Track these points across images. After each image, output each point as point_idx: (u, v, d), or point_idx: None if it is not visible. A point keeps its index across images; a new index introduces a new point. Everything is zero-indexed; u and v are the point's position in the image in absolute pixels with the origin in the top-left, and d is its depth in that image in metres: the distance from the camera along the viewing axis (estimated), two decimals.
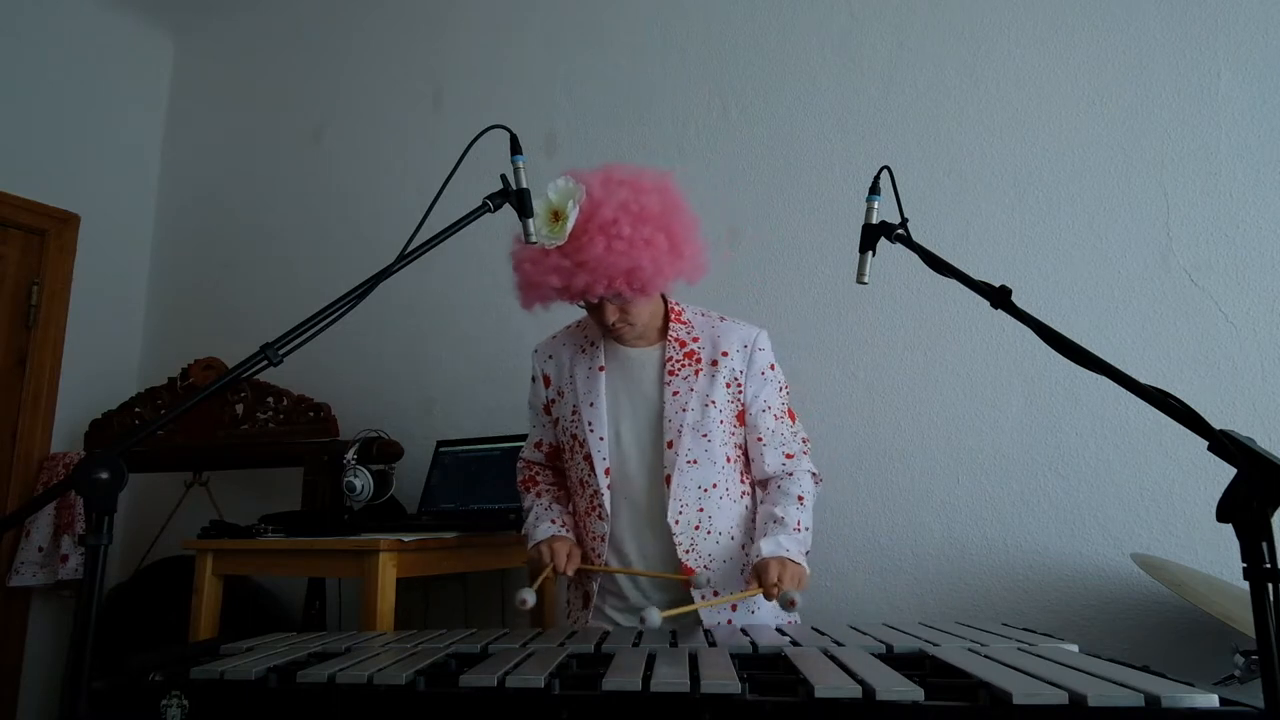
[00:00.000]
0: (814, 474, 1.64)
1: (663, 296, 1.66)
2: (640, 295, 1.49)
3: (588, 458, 1.60)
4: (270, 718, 1.07)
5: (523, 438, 2.33)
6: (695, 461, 1.57)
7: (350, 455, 2.42)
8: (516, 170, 1.30)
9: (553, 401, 1.70)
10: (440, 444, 2.60)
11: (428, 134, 3.06)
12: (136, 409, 3.11)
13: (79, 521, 3.02)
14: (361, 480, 2.38)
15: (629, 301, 1.51)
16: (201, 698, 1.07)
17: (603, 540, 1.59)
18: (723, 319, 1.67)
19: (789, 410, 1.67)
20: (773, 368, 1.64)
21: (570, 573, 1.57)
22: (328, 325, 1.11)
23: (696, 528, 1.57)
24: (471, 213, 1.26)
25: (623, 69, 2.71)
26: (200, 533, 2.32)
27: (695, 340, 1.63)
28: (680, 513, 1.56)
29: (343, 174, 3.26)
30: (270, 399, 2.83)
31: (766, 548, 1.48)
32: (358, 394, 2.94)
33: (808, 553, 1.52)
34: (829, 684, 0.91)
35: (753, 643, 1.22)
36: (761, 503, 1.64)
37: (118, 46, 3.61)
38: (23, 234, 3.27)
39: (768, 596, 1.38)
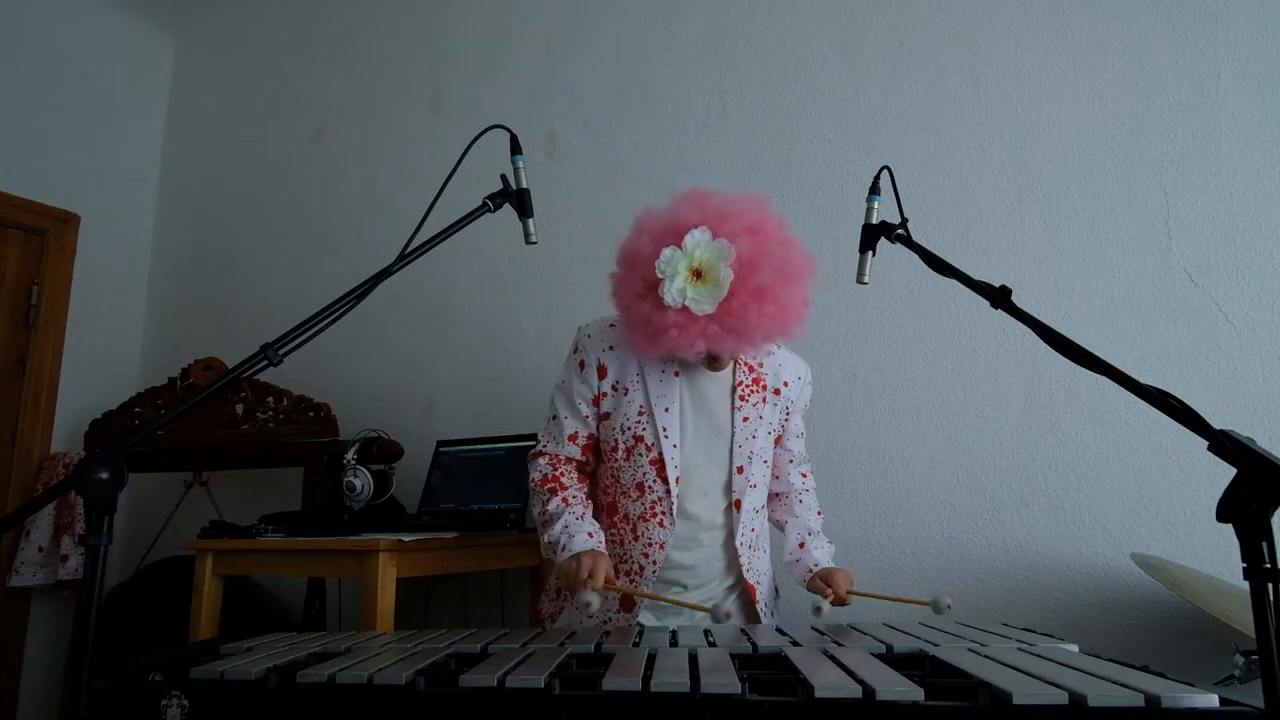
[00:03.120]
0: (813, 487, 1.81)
1: None
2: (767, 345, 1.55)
3: (656, 463, 1.56)
4: (270, 718, 1.07)
5: (524, 437, 2.36)
6: (755, 485, 1.63)
7: (350, 455, 2.42)
8: (516, 170, 1.30)
9: (605, 394, 1.60)
10: (440, 444, 2.60)
11: (428, 134, 3.06)
12: (136, 409, 3.11)
13: (79, 521, 3.02)
14: (361, 480, 2.38)
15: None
16: (201, 698, 1.07)
17: (660, 547, 1.56)
18: (777, 347, 1.68)
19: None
20: (811, 400, 1.76)
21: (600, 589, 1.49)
22: (328, 325, 1.11)
23: (751, 547, 1.64)
24: (471, 213, 1.26)
25: (623, 69, 2.71)
26: (200, 533, 2.32)
27: (760, 366, 1.65)
28: (744, 535, 1.61)
29: (343, 174, 3.26)
30: (270, 399, 2.83)
31: (823, 559, 1.64)
32: (358, 394, 2.94)
33: None
34: (829, 684, 0.91)
35: (753, 643, 1.22)
36: (783, 513, 1.76)
37: (118, 46, 3.61)
38: (23, 234, 3.27)
39: (842, 602, 1.54)
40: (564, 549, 1.48)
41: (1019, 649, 1.15)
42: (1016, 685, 0.89)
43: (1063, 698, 0.86)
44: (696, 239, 1.39)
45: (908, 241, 1.29)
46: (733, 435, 1.59)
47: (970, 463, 2.07)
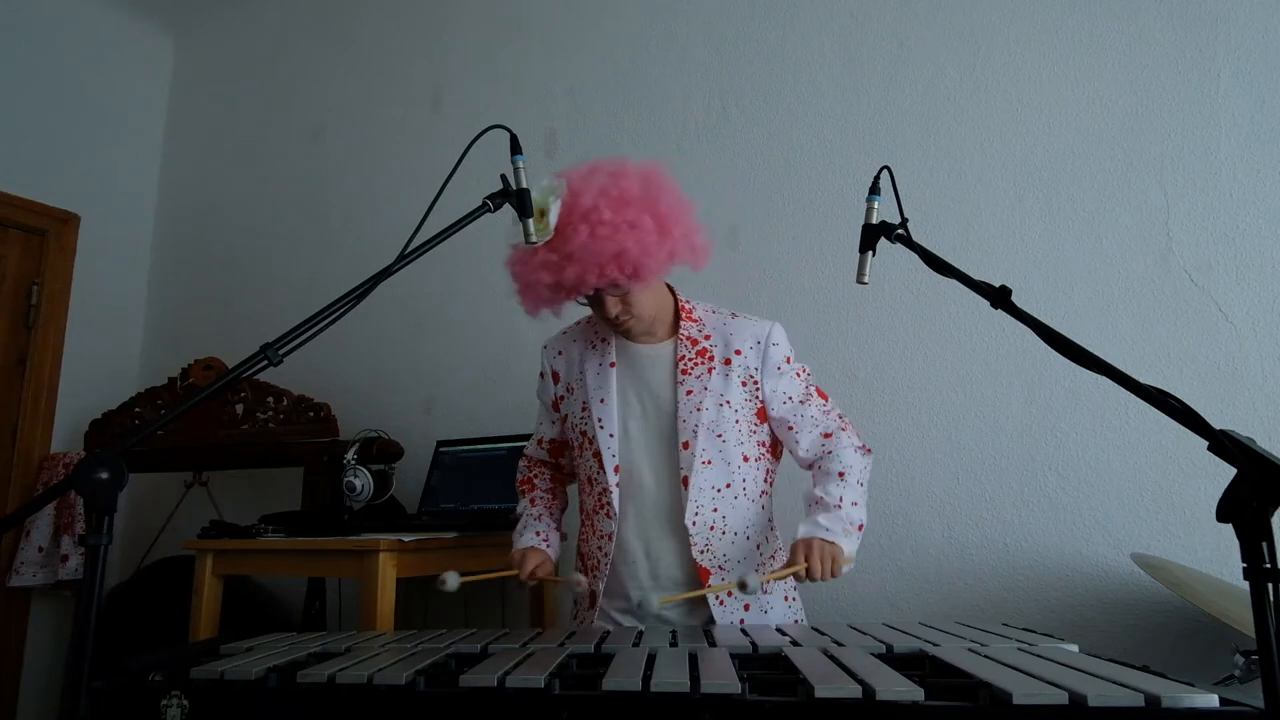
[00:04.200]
0: (860, 447, 1.61)
1: (673, 293, 1.65)
2: (634, 281, 1.46)
3: (597, 455, 1.59)
4: (270, 718, 1.07)
5: (523, 437, 2.35)
6: (710, 462, 1.56)
7: (350, 455, 2.42)
8: (516, 170, 1.29)
9: (561, 398, 1.69)
10: (440, 444, 2.60)
11: (428, 134, 3.06)
12: (136, 409, 3.11)
13: (79, 521, 3.02)
14: (361, 480, 2.38)
15: (627, 291, 1.49)
16: (201, 698, 1.07)
17: (609, 539, 1.58)
18: (734, 315, 1.65)
19: (817, 390, 1.65)
20: (789, 360, 1.63)
21: (528, 585, 1.59)
22: (328, 325, 1.11)
23: (712, 528, 1.56)
24: (471, 213, 1.26)
25: (623, 69, 2.71)
26: (200, 533, 2.32)
27: (707, 338, 1.61)
28: (697, 514, 1.55)
29: (343, 174, 3.26)
30: (270, 399, 2.83)
31: (803, 530, 1.49)
32: (358, 394, 2.94)
33: (862, 527, 1.54)
34: (829, 684, 0.91)
35: (753, 643, 1.22)
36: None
37: (118, 46, 3.61)
38: (23, 234, 3.27)
39: (797, 578, 1.43)
40: (515, 545, 1.65)
41: (1019, 649, 1.15)
42: (1016, 685, 0.89)
43: (1063, 698, 0.86)
44: (540, 184, 1.43)
45: (908, 241, 1.29)
46: (676, 411, 1.57)
47: (970, 463, 2.07)
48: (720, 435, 1.56)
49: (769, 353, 1.60)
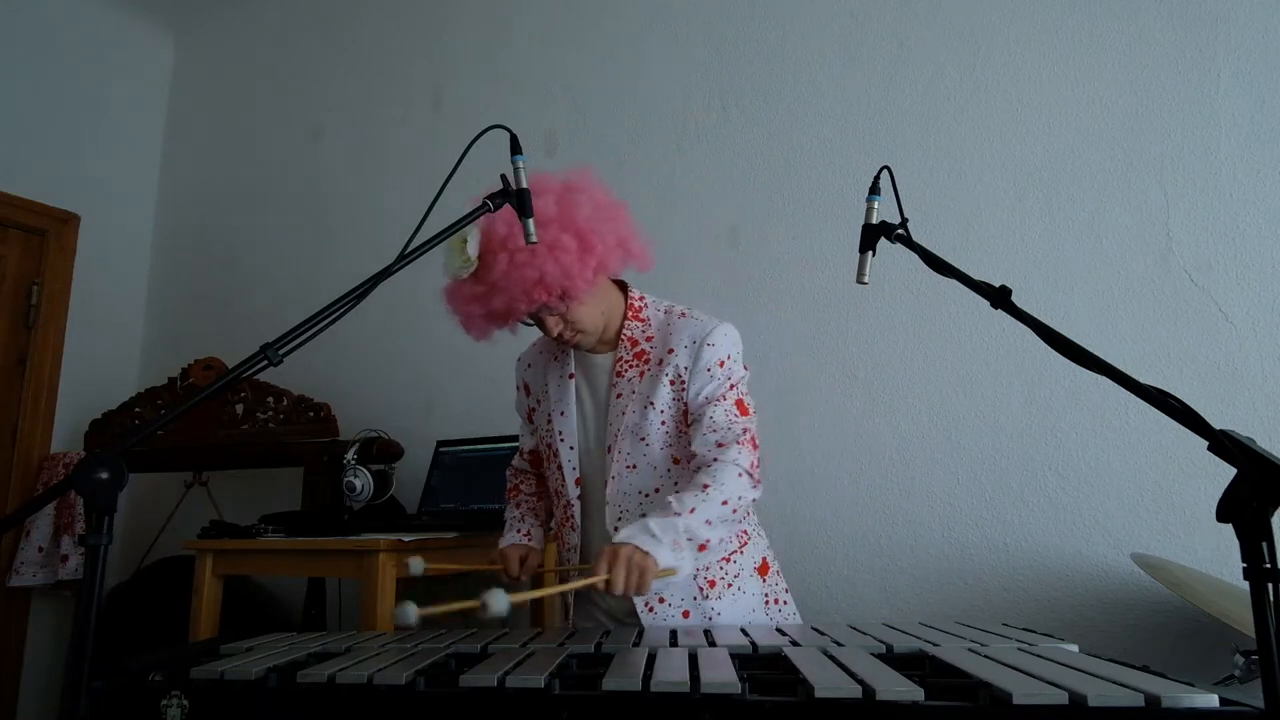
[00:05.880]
0: (747, 472, 1.42)
1: (625, 291, 1.61)
2: (566, 300, 1.43)
3: (560, 468, 1.58)
4: (270, 718, 1.07)
5: None
6: (634, 466, 1.51)
7: (350, 455, 2.42)
8: (516, 170, 1.29)
9: (533, 410, 1.70)
10: (440, 444, 2.60)
11: (428, 134, 3.06)
12: (136, 409, 3.11)
13: (79, 521, 3.02)
14: (361, 480, 2.38)
15: (565, 309, 1.46)
16: (201, 698, 1.07)
17: (575, 551, 1.57)
18: (683, 314, 1.55)
19: (739, 402, 1.49)
20: (722, 365, 1.49)
21: (524, 578, 1.57)
22: (328, 325, 1.11)
23: None
24: (471, 212, 1.26)
25: (623, 69, 2.71)
26: (200, 533, 2.32)
27: (649, 339, 1.55)
28: (620, 519, 1.49)
29: (343, 174, 3.26)
30: (270, 399, 2.83)
31: (623, 533, 1.31)
32: (358, 394, 2.94)
33: (705, 547, 1.35)
34: (829, 684, 0.91)
35: (753, 643, 1.21)
36: None
37: (118, 46, 3.61)
38: (23, 234, 3.27)
39: (598, 589, 1.28)
40: (499, 545, 1.65)
41: (1019, 649, 1.15)
42: (1016, 685, 0.89)
43: (1063, 698, 0.86)
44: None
45: (908, 241, 1.29)
46: (607, 414, 1.54)
47: (970, 463, 2.07)
48: (644, 439, 1.50)
49: (701, 353, 1.48)
